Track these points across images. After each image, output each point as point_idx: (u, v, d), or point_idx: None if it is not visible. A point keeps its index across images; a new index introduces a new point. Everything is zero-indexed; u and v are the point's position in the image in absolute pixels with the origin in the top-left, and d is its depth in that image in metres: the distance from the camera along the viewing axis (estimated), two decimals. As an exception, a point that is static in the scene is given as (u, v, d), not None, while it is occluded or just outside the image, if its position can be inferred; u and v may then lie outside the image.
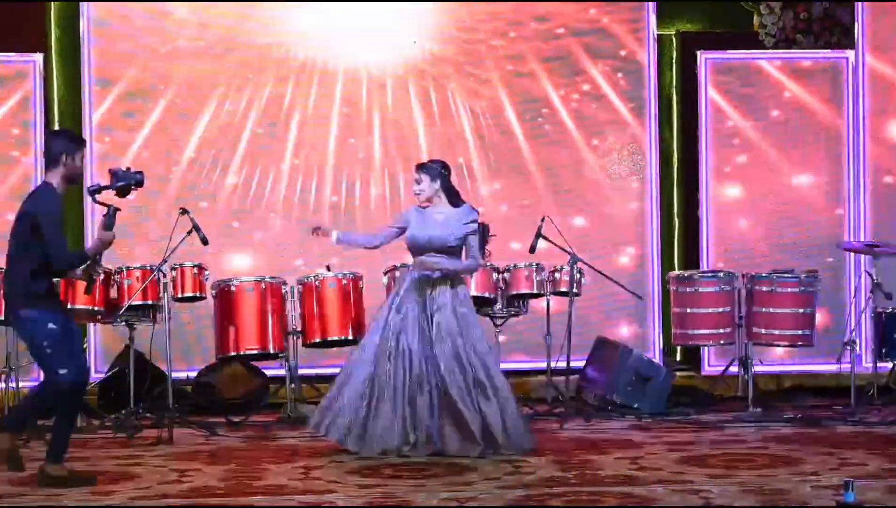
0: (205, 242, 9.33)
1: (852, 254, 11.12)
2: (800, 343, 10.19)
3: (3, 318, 8.98)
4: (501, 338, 10.29)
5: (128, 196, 7.60)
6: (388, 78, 11.36)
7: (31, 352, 7.50)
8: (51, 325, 7.33)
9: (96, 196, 7.54)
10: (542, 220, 9.77)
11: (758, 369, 10.30)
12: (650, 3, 11.50)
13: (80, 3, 11.09)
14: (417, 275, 8.47)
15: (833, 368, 10.66)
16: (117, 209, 7.48)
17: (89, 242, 10.98)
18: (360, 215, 11.29)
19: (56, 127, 11.38)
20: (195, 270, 9.83)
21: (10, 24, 11.14)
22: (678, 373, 10.99)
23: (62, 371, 7.28)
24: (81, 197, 11.09)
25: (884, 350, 10.29)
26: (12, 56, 11.04)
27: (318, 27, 11.30)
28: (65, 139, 7.56)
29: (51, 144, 7.55)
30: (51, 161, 7.48)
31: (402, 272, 8.97)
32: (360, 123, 11.37)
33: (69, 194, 11.19)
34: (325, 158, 11.34)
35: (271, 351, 9.86)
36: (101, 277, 9.46)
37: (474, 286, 9.93)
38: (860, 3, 11.39)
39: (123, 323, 9.72)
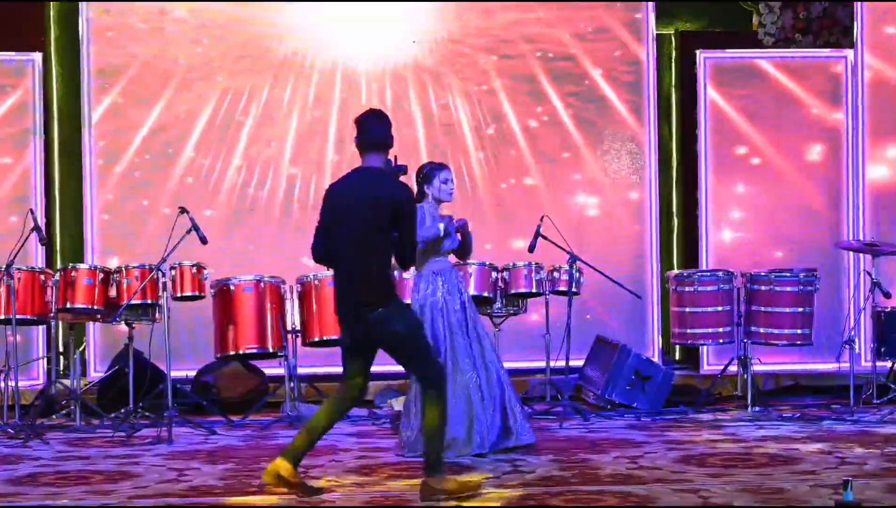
0: (204, 241, 9.32)
1: (851, 253, 11.13)
2: (798, 342, 10.18)
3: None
4: (501, 337, 10.31)
5: None
6: (387, 78, 11.36)
7: (406, 346, 7.00)
8: (418, 315, 7.16)
9: None
10: (542, 219, 9.77)
11: (757, 368, 10.29)
12: (649, 3, 11.50)
13: (79, 2, 11.09)
14: (445, 274, 8.46)
15: (832, 367, 10.68)
16: None
17: (87, 237, 11.01)
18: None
19: (56, 126, 11.39)
20: (194, 269, 9.83)
21: (8, 24, 11.13)
22: (677, 372, 10.99)
23: (441, 359, 7.07)
24: (80, 185, 11.11)
25: (882, 349, 10.28)
26: (11, 55, 11.03)
27: (318, 27, 11.31)
28: (391, 124, 7.14)
29: (378, 125, 7.07)
30: (376, 144, 7.04)
31: (431, 271, 8.78)
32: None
33: (71, 185, 11.32)
34: (324, 156, 11.34)
35: (270, 350, 9.86)
36: None
37: (473, 286, 9.94)
38: (859, 3, 11.39)
39: (123, 322, 9.72)
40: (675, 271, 11.02)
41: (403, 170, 7.29)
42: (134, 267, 9.73)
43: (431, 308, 8.35)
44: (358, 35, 11.31)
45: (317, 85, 11.34)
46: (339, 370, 10.68)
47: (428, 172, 8.56)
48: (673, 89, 12.00)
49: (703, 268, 11.13)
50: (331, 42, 11.32)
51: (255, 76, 11.29)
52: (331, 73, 11.34)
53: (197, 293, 9.85)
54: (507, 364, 10.44)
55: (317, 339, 9.89)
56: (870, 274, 10.25)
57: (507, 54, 11.45)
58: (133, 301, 9.52)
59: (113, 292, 9.71)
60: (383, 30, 11.34)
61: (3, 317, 9.59)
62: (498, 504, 6.87)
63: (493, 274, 10.10)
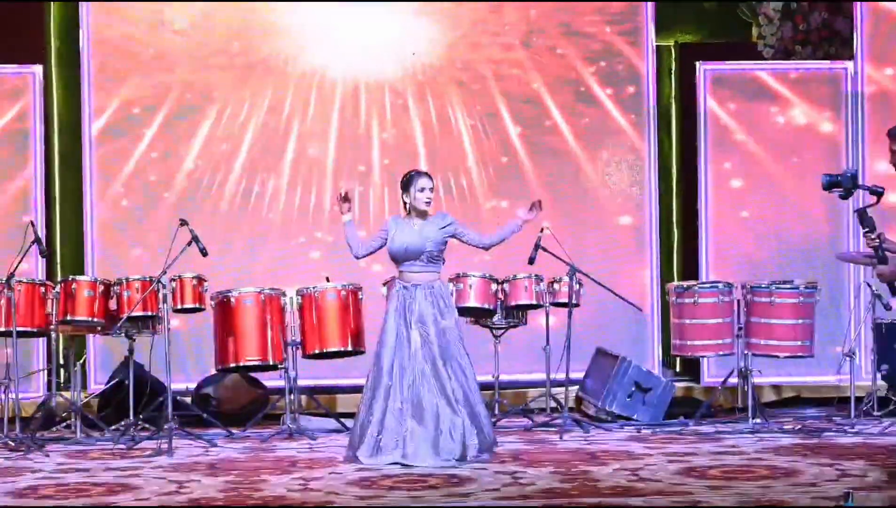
0: (204, 253, 9.33)
1: (852, 264, 11.11)
2: (799, 354, 10.16)
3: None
4: (500, 349, 10.31)
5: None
6: (386, 90, 11.36)
7: None
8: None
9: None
10: (542, 231, 9.78)
11: (757, 380, 10.27)
12: (649, 14, 11.50)
13: (80, 10, 11.09)
14: (402, 286, 8.62)
15: (832, 379, 10.67)
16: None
17: (88, 249, 11.01)
18: (360, 225, 11.27)
19: (56, 138, 11.40)
20: (195, 281, 9.83)
21: (9, 36, 11.14)
22: (677, 384, 10.98)
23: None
24: (80, 197, 11.12)
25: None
26: (12, 68, 11.03)
27: (318, 38, 11.31)
28: None
29: None
30: None
31: (392, 284, 9.01)
32: (358, 134, 11.38)
33: (72, 197, 11.32)
34: (325, 168, 11.35)
35: (271, 362, 9.85)
36: None
37: (473, 297, 9.94)
38: (859, 14, 11.40)
39: (123, 334, 9.72)
40: (675, 282, 11.01)
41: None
42: (134, 279, 9.73)
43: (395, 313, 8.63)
44: (358, 46, 11.30)
45: (316, 96, 11.34)
46: (340, 382, 10.82)
47: (406, 180, 8.66)
48: (673, 101, 12.00)
49: (704, 280, 11.13)
50: (331, 52, 11.31)
51: (256, 89, 11.29)
52: (331, 84, 11.34)
53: (197, 305, 9.85)
54: (506, 376, 10.54)
55: (317, 351, 9.88)
56: (870, 286, 10.25)
57: (506, 67, 11.45)
58: (133, 313, 9.52)
59: (113, 305, 9.72)
60: (383, 41, 11.34)
61: (3, 329, 9.58)
62: (498, 517, 6.88)
63: (493, 286, 10.11)
